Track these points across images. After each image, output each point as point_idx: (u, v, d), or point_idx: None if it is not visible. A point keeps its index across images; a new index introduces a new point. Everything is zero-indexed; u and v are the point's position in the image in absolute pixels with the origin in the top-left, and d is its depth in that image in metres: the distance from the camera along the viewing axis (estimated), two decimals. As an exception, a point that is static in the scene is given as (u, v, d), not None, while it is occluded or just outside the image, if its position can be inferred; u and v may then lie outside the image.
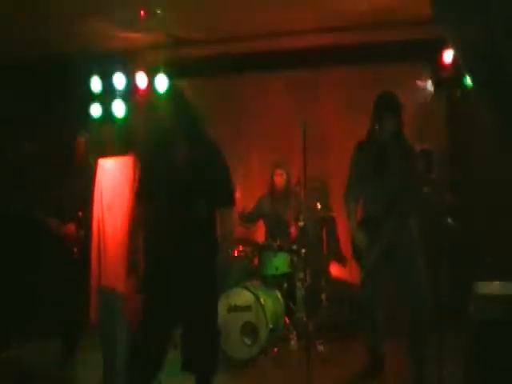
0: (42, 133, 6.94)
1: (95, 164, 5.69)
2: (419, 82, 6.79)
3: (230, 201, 4.01)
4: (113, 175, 4.66)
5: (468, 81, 6.08)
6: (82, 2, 5.88)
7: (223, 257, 3.97)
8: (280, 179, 6.69)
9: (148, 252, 3.84)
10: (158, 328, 3.78)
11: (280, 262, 6.16)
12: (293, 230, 6.42)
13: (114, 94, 7.23)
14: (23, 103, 7.25)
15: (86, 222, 5.48)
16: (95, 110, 7.29)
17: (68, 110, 7.19)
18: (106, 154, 5.42)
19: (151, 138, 4.09)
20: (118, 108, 7.23)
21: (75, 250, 5.49)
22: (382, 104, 4.81)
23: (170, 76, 7.21)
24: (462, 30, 3.19)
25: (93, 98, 7.27)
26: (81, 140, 5.86)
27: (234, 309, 5.65)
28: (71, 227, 5.50)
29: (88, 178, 5.20)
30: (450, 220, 4.98)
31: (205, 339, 3.88)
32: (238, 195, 6.50)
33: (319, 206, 6.45)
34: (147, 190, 3.88)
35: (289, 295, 6.20)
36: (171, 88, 4.28)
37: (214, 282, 3.97)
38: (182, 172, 3.82)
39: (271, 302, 5.84)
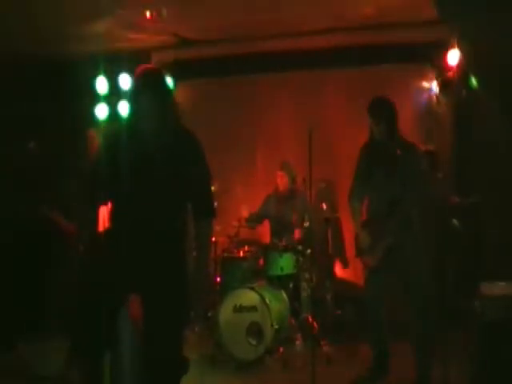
0: (47, 133, 6.98)
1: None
2: (424, 84, 6.80)
3: (213, 212, 3.50)
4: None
5: (473, 82, 6.09)
6: (88, 3, 5.90)
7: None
8: (281, 180, 6.70)
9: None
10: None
11: (285, 263, 6.17)
12: (298, 230, 6.43)
13: (120, 94, 7.25)
14: (29, 103, 7.28)
15: (90, 222, 5.51)
16: (101, 110, 7.33)
17: (74, 111, 7.21)
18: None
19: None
20: (124, 109, 7.25)
21: (79, 249, 5.50)
22: (372, 109, 4.92)
23: (176, 77, 7.25)
24: (467, 29, 3.21)
25: (99, 98, 7.30)
26: (92, 134, 5.87)
27: (240, 309, 5.66)
28: (75, 227, 5.52)
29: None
30: (454, 221, 5.00)
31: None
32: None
33: (325, 206, 6.46)
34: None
35: (294, 296, 6.20)
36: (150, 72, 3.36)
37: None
38: (160, 168, 3.25)
39: (276, 302, 5.85)
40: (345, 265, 6.90)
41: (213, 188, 3.60)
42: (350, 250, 6.76)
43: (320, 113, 6.95)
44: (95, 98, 7.34)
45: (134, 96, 3.43)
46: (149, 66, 3.52)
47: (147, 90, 3.27)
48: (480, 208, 5.94)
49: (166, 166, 3.26)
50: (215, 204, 3.73)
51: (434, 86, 6.72)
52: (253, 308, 5.64)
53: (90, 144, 5.81)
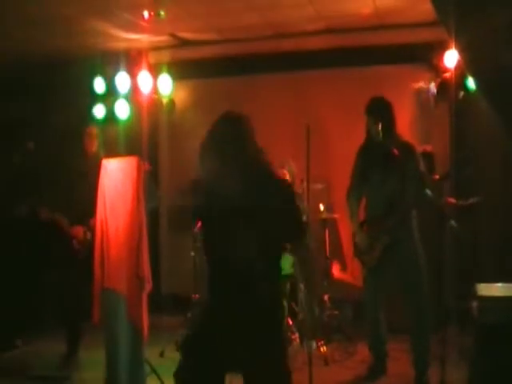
0: (45, 133, 6.97)
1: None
2: (422, 85, 6.80)
3: (302, 232, 3.28)
4: (116, 176, 4.65)
5: (470, 83, 6.09)
6: (85, 3, 5.89)
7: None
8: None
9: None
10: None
11: (283, 263, 6.13)
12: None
13: (118, 94, 7.24)
14: (27, 103, 7.27)
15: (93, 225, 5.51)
16: (98, 110, 7.31)
17: (72, 110, 7.20)
18: (110, 154, 5.42)
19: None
20: (122, 109, 7.23)
21: (81, 251, 5.50)
22: (369, 109, 4.96)
23: (174, 77, 7.24)
24: (464, 30, 3.19)
25: (96, 98, 7.29)
26: (91, 130, 5.85)
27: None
28: (79, 229, 5.52)
29: (95, 180, 5.20)
30: (452, 222, 4.99)
31: None
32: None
33: (322, 207, 6.46)
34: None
35: (291, 296, 6.19)
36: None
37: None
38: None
39: (274, 302, 5.82)
40: (343, 267, 6.90)
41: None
42: (347, 250, 6.79)
43: (317, 113, 6.95)
44: (92, 98, 7.33)
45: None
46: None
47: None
48: (478, 209, 5.93)
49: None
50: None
51: (432, 87, 6.72)
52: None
53: (89, 141, 5.80)
